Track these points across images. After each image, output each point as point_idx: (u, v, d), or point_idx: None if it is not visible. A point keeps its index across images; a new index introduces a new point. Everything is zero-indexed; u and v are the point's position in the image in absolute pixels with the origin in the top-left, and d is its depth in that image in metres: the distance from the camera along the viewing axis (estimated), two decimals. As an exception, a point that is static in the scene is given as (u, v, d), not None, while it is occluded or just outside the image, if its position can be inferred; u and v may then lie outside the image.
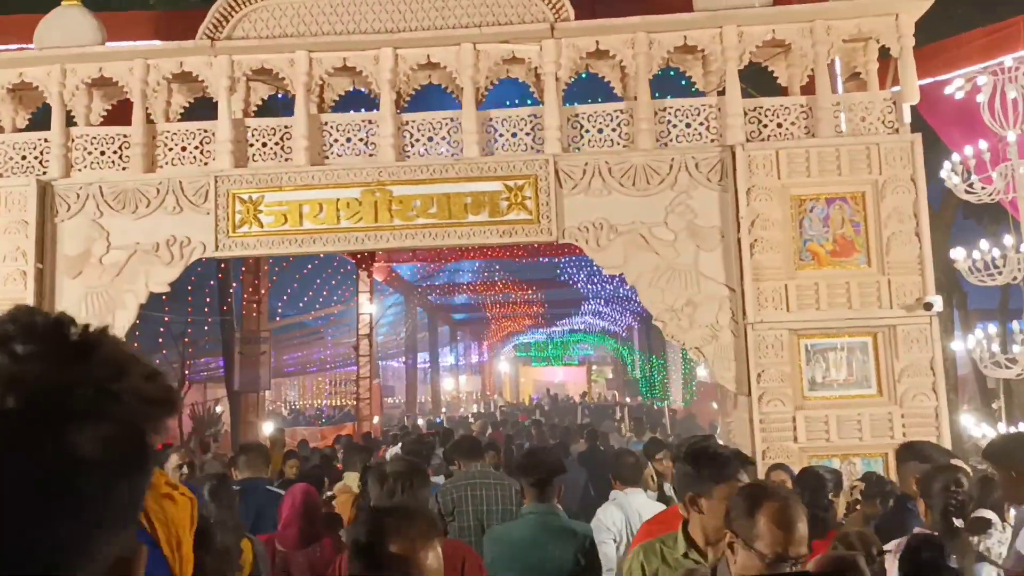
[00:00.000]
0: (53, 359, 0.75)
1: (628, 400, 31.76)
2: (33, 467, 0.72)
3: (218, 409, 17.95)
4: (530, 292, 28.48)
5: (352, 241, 7.40)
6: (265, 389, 15.99)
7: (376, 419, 22.94)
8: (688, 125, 7.41)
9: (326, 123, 7.69)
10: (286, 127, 7.67)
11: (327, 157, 7.63)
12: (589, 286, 26.61)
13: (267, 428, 15.88)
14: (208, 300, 20.68)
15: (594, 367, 54.41)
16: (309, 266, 17.01)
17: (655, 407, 28.03)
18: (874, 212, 7.00)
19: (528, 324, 38.42)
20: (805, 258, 7.07)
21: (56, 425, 0.73)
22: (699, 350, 7.08)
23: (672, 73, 9.11)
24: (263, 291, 15.72)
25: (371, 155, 7.57)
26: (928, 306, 6.75)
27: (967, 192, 7.52)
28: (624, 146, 7.42)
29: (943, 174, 7.57)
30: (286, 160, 7.61)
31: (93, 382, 0.75)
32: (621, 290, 26.53)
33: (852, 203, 7.07)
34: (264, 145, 7.69)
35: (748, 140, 7.18)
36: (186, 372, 25.28)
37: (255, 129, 7.72)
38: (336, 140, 7.66)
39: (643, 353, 34.35)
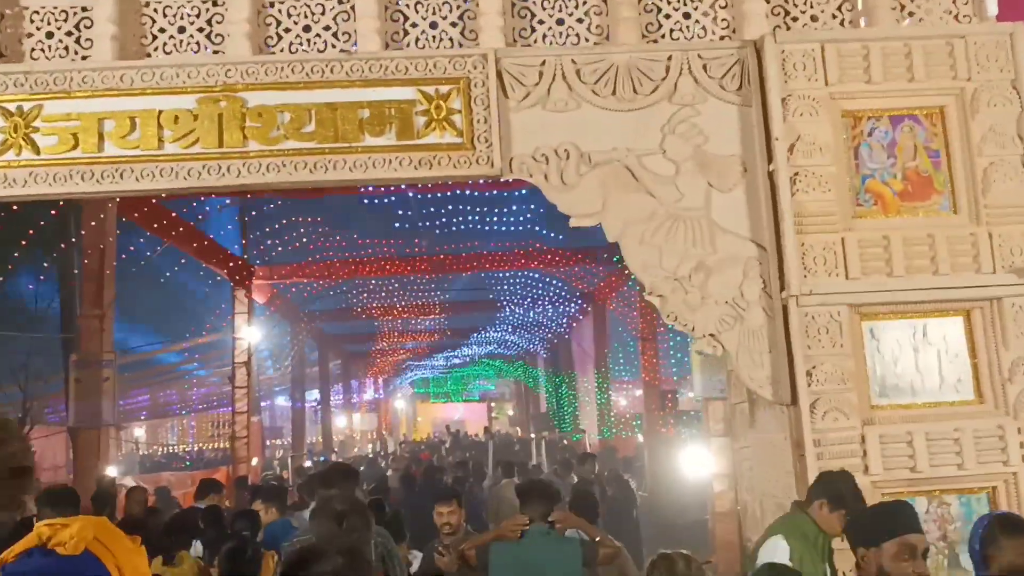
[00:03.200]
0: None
1: (534, 435, 29.39)
2: None
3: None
4: (431, 318, 25.93)
5: (182, 175, 4.74)
6: (108, 425, 12.87)
7: (255, 461, 19.83)
8: (687, 15, 5.10)
9: (147, 3, 5.07)
10: (84, 8, 5.01)
11: (149, 55, 5.02)
12: (499, 310, 24.20)
13: (111, 474, 12.75)
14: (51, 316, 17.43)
15: (494, 403, 52.46)
16: (167, 274, 14.02)
17: (564, 442, 25.77)
18: (960, 135, 4.81)
19: (427, 353, 35.78)
20: (865, 202, 4.82)
21: None
22: (715, 338, 4.70)
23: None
24: (107, 303, 12.67)
25: (217, 51, 4.99)
26: (1055, 266, 4.57)
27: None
28: (596, 43, 5.06)
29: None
30: (84, 59, 4.95)
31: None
32: (532, 312, 24.30)
33: (927, 123, 4.87)
34: (50, 35, 5.01)
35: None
36: (27, 413, 21.53)
37: (36, 11, 5.03)
38: (163, 30, 5.04)
39: (551, 383, 32.09)
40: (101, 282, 12.76)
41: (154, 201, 13.30)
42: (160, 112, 4.76)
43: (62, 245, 15.05)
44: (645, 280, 4.75)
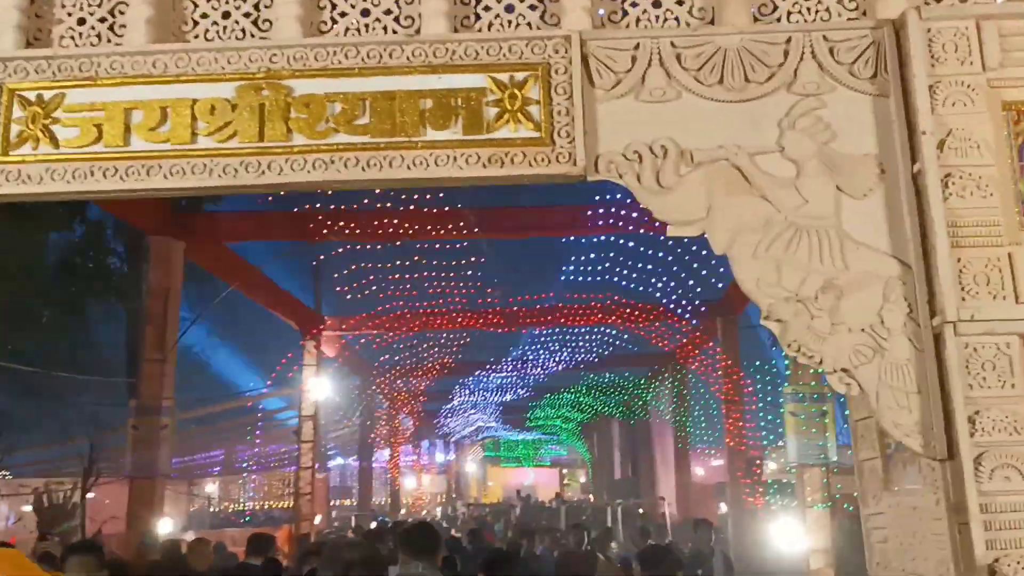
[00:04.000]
0: None
1: (608, 502, 28.09)
2: None
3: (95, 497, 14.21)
4: (503, 375, 25.19)
5: (217, 172, 4.11)
6: (163, 476, 12.35)
7: (318, 519, 19.14)
8: (808, -6, 4.34)
9: (189, -13, 4.52)
10: (120, -8, 4.49)
11: (188, 43, 4.45)
12: (573, 368, 23.29)
13: (164, 527, 12.17)
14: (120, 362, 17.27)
15: (566, 470, 51.30)
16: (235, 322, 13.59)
17: (640, 510, 24.50)
18: None
19: (498, 413, 34.96)
20: (1032, 210, 3.92)
21: None
22: (848, 374, 3.81)
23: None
24: (168, 347, 12.25)
25: (263, 37, 4.39)
26: None
27: None
28: (698, 24, 4.32)
29: None
30: (117, 46, 4.40)
31: None
32: (608, 371, 23.34)
33: (1109, 117, 3.97)
34: (82, 22, 4.47)
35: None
36: (92, 465, 21.27)
37: (68, -5, 4.53)
38: (206, 15, 4.47)
39: (625, 447, 30.86)
40: (164, 326, 12.36)
41: (222, 244, 12.94)
42: (195, 101, 4.15)
43: (131, 288, 14.83)
44: (761, 301, 3.90)
